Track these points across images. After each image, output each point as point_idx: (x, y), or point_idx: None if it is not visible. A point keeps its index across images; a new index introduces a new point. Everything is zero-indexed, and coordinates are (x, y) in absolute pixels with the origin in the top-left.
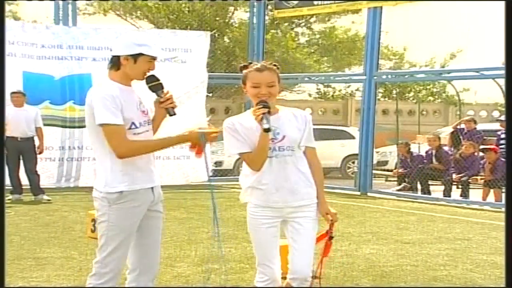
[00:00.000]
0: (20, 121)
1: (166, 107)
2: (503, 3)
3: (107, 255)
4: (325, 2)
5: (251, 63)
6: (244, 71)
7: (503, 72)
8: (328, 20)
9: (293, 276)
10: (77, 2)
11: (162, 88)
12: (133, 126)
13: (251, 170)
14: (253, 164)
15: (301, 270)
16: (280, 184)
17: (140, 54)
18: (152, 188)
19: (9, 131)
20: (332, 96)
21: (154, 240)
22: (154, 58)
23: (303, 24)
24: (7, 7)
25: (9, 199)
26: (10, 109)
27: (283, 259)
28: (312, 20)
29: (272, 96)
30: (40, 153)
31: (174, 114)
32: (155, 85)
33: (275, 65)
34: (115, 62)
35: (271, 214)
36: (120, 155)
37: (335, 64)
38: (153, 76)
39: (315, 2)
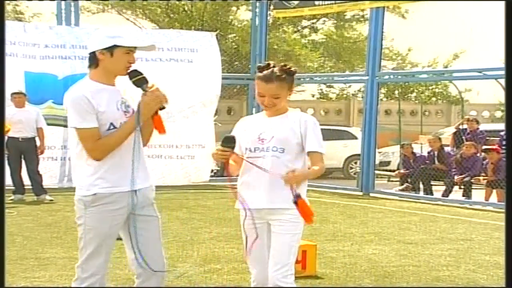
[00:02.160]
0: (21, 121)
1: None
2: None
3: (86, 259)
4: (327, 2)
5: (269, 64)
6: (257, 74)
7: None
8: (335, 19)
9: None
10: (79, 1)
11: (147, 82)
12: (111, 127)
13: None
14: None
15: (271, 276)
16: (258, 184)
17: (115, 46)
18: (135, 191)
19: (12, 132)
20: (337, 95)
21: (148, 245)
22: (131, 50)
23: (308, 24)
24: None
25: (11, 199)
26: (11, 109)
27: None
28: (315, 20)
29: (276, 106)
30: (41, 153)
31: (163, 107)
32: (138, 79)
33: (289, 70)
34: (93, 59)
35: (253, 215)
36: (95, 158)
37: (339, 65)
38: (135, 70)
39: (316, 2)
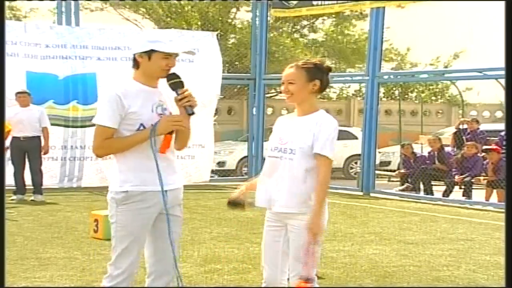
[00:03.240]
0: (22, 121)
1: (183, 106)
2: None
3: (117, 257)
4: (326, 2)
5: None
6: None
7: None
8: (335, 20)
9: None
10: (79, 1)
11: (182, 86)
12: (141, 127)
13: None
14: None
15: (291, 281)
16: (271, 186)
17: (153, 51)
18: (166, 191)
19: (14, 131)
20: (339, 95)
21: (169, 244)
22: (169, 55)
23: (307, 24)
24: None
25: (12, 199)
26: (15, 108)
27: None
28: (315, 20)
29: (292, 94)
30: (45, 153)
31: (193, 113)
32: (174, 82)
33: (316, 63)
34: (135, 61)
35: (272, 217)
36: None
37: (338, 64)
38: (173, 74)
39: (315, 2)
